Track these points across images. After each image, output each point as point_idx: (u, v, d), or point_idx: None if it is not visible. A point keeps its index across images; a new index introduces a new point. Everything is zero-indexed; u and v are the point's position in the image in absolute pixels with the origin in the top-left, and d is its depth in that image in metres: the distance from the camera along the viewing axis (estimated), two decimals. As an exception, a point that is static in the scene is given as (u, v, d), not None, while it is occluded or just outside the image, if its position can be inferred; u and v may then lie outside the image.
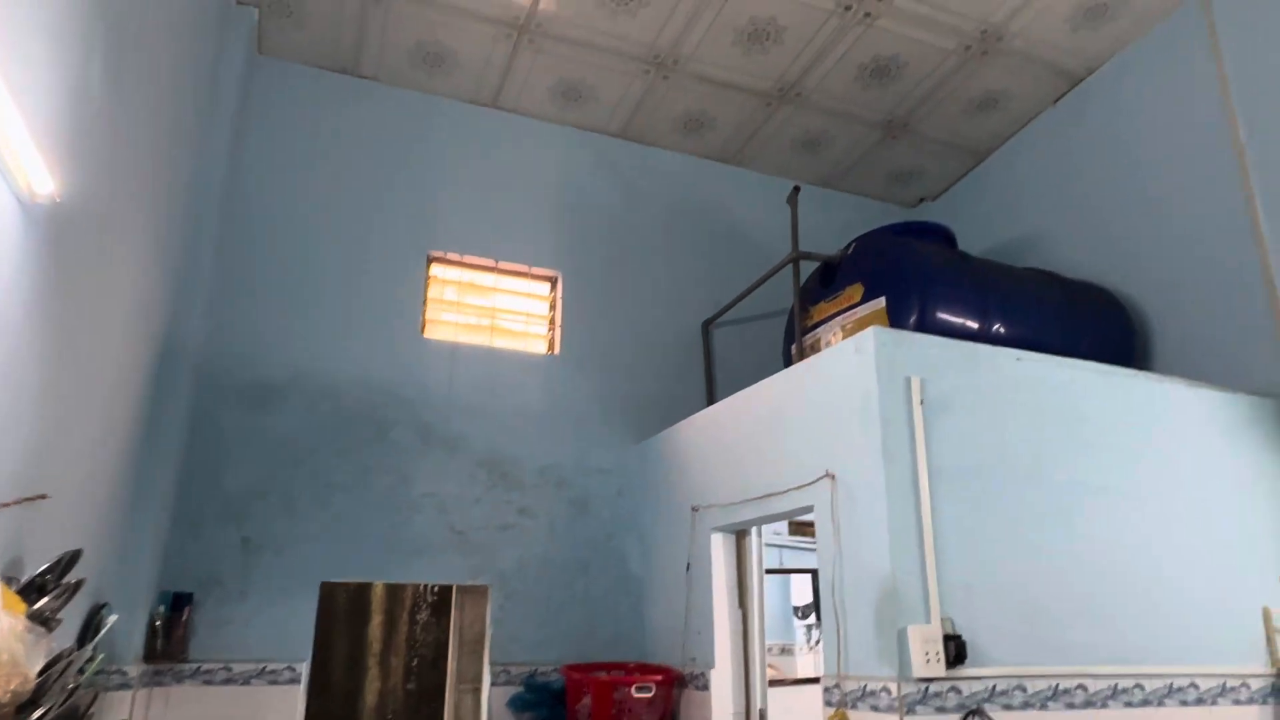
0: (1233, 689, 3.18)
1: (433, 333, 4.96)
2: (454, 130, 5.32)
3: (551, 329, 5.28)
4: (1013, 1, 4.51)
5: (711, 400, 5.24)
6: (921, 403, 3.01)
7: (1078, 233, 5.02)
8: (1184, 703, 3.06)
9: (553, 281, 5.39)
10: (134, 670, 3.57)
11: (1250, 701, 3.19)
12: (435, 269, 5.11)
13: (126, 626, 3.53)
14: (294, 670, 4.06)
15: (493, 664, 4.43)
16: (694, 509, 4.21)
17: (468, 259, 5.18)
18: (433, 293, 5.06)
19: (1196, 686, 3.11)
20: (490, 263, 5.22)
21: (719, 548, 4.09)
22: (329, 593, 4.63)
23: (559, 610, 4.64)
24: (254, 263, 4.60)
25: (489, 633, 4.49)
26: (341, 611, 5.10)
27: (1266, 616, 3.31)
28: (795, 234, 4.57)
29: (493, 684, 4.39)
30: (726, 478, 3.99)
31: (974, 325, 3.90)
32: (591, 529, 4.87)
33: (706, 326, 5.54)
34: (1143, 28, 4.67)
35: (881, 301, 3.95)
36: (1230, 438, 3.56)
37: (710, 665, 3.91)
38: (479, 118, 5.41)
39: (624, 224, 5.62)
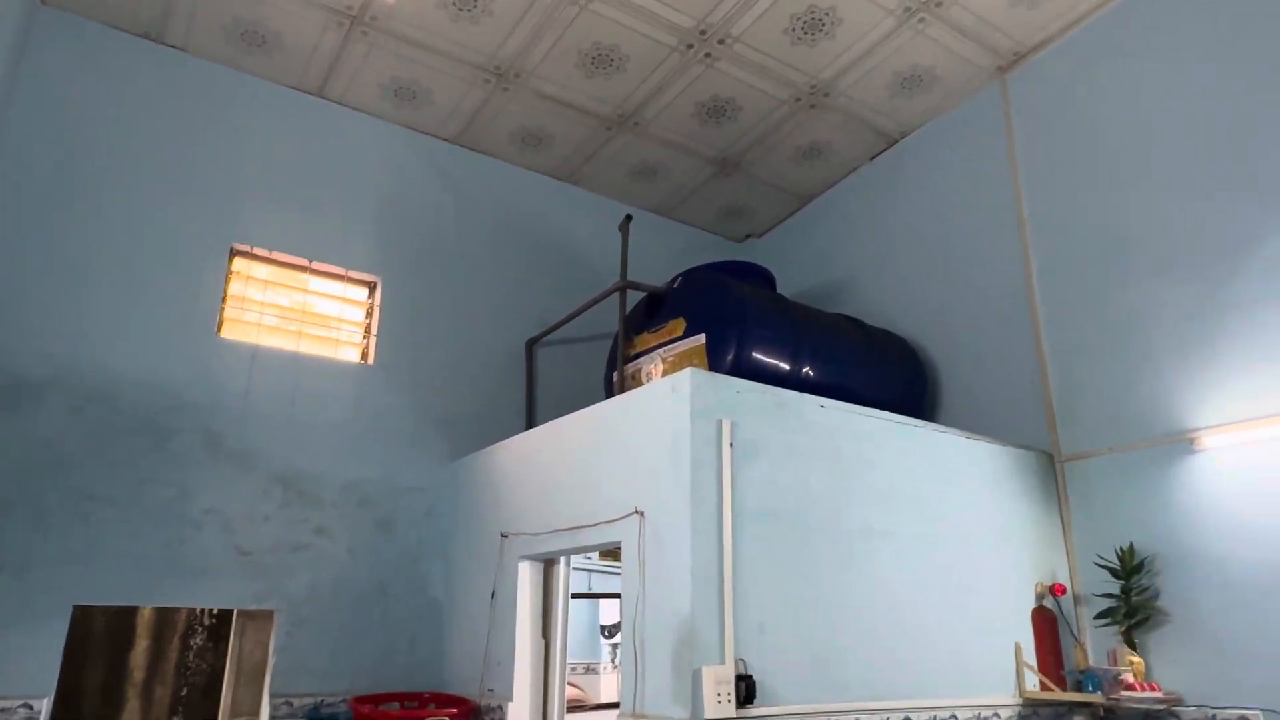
0: (986, 719, 3.48)
1: (231, 332, 4.55)
2: (271, 115, 4.93)
3: (367, 336, 5.00)
4: (840, 62, 4.78)
5: (531, 421, 5.16)
6: (731, 445, 3.09)
7: (883, 283, 5.39)
8: (944, 732, 3.34)
9: (371, 287, 5.11)
10: None
11: (999, 729, 3.53)
12: (238, 263, 4.70)
13: None
14: (31, 708, 3.56)
15: (274, 695, 4.11)
16: (503, 535, 4.11)
17: (277, 255, 4.80)
18: (234, 289, 4.64)
19: (956, 718, 3.38)
20: (303, 261, 4.87)
21: (526, 576, 4.00)
22: (83, 617, 4.13)
23: (354, 637, 4.38)
24: (15, 239, 4.03)
25: (271, 661, 4.17)
26: (98, 638, 4.55)
27: (1017, 651, 3.67)
28: (625, 263, 4.58)
29: (273, 716, 4.06)
30: (538, 506, 3.92)
31: (786, 367, 4.06)
32: (395, 551, 4.64)
33: (531, 345, 5.46)
34: (951, 102, 5.09)
35: (701, 338, 4.03)
36: (996, 487, 3.92)
37: (508, 698, 3.82)
38: (300, 105, 5.05)
39: (452, 233, 5.43)
